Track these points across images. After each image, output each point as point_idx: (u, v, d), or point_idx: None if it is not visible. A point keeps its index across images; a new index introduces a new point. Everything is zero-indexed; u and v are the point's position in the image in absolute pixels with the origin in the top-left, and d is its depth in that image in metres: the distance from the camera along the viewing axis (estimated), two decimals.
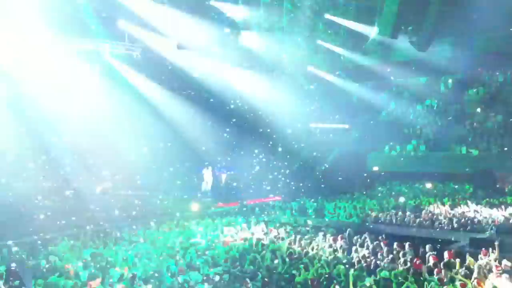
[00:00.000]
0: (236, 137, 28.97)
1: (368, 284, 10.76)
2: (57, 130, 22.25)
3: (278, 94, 29.20)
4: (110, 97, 23.24)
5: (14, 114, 21.10)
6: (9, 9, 18.71)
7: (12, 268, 8.57)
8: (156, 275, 11.74)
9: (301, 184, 29.13)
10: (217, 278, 11.36)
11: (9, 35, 19.55)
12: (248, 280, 11.24)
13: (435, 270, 11.68)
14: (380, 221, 19.81)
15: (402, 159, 31.26)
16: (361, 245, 15.05)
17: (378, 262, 12.87)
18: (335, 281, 11.30)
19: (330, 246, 14.94)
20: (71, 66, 21.76)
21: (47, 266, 12.58)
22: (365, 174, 31.50)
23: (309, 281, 11.31)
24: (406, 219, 19.33)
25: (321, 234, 16.47)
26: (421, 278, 11.20)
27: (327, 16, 26.49)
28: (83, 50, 22.63)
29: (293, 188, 28.59)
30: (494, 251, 12.79)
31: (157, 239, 16.42)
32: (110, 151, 24.25)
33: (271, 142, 29.80)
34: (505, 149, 27.66)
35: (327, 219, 21.19)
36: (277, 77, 29.66)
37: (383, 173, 31.38)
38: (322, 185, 28.32)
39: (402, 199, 23.40)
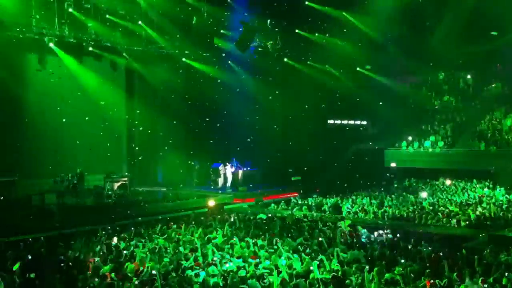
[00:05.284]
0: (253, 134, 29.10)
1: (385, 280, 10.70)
2: None
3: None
4: None
5: None
6: None
7: (28, 261, 8.61)
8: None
9: (317, 181, 29.09)
10: None
11: None
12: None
13: (453, 267, 11.59)
14: (397, 217, 19.66)
15: (420, 155, 31.02)
16: (379, 242, 14.98)
17: (395, 258, 12.80)
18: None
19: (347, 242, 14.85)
20: None
21: (66, 261, 12.69)
22: (382, 171, 31.31)
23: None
24: (423, 216, 19.15)
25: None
26: (439, 275, 11.12)
27: None
28: None
29: (310, 184, 28.50)
30: None
31: (175, 234, 16.42)
32: None
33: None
34: None
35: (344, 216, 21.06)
36: None
37: (400, 170, 31.16)
38: (339, 182, 28.15)
39: (424, 195, 23.14)
